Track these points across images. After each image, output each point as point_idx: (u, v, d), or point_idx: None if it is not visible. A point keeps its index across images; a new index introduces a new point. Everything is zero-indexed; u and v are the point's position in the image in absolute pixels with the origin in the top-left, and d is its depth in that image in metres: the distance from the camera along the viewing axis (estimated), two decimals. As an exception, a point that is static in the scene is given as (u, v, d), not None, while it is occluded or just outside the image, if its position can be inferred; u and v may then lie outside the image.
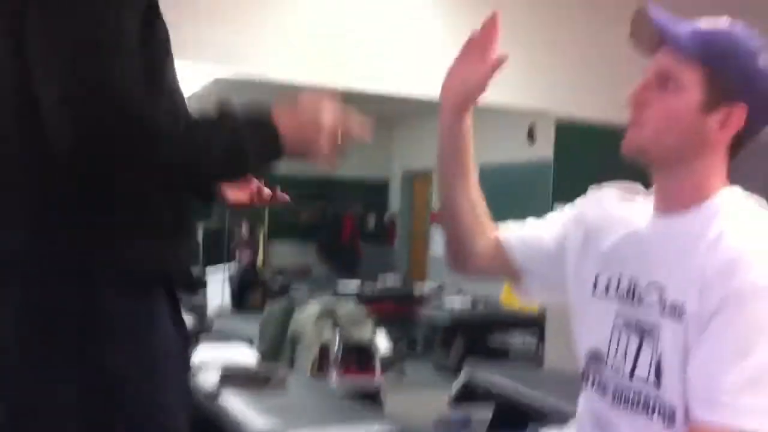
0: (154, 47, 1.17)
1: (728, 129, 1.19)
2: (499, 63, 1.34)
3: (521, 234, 1.45)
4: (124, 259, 1.15)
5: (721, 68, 1.18)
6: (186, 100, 1.27)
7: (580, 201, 1.43)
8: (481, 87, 1.36)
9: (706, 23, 1.22)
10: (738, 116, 1.18)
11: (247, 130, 1.16)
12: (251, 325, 5.28)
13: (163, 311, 1.19)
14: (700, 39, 1.20)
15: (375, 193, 9.95)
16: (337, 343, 4.33)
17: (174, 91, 1.24)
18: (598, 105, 4.76)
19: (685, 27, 1.21)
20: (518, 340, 6.45)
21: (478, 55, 1.36)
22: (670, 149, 1.21)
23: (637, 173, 1.29)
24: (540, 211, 1.54)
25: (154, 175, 1.12)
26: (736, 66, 1.19)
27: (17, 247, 1.13)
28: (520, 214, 1.60)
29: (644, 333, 1.20)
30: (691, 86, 1.19)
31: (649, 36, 1.21)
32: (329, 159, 1.25)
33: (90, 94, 1.04)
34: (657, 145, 1.21)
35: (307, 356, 4.39)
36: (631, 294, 1.24)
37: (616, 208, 1.35)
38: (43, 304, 1.11)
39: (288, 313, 4.91)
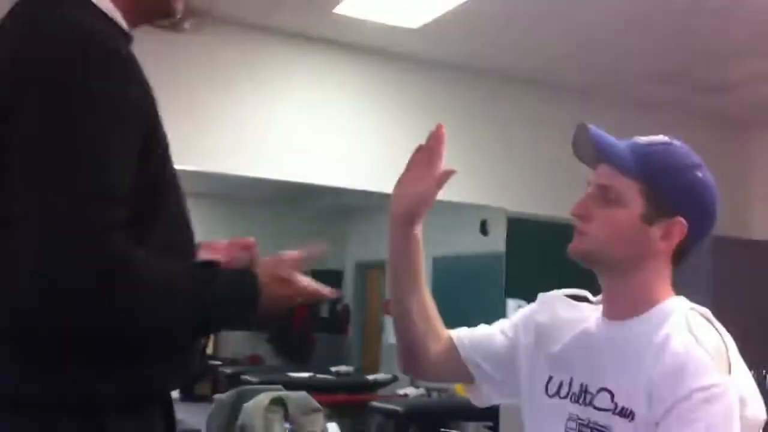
0: (153, 163, 1.16)
1: (670, 240, 1.25)
2: (445, 178, 1.40)
3: (474, 338, 1.47)
4: (124, 386, 1.14)
5: (659, 184, 1.24)
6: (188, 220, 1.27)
7: (529, 306, 1.46)
8: (429, 200, 1.41)
9: (644, 140, 1.28)
10: (679, 228, 1.24)
11: (225, 297, 1.18)
12: (198, 417, 5.14)
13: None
14: (637, 156, 1.25)
15: (328, 283, 9.69)
16: (287, 435, 4.24)
17: (175, 215, 1.24)
18: (549, 202, 4.92)
19: (621, 144, 1.27)
20: (473, 430, 6.37)
21: (426, 167, 1.40)
22: (615, 259, 1.26)
23: (586, 269, 1.34)
24: (492, 301, 1.59)
25: (123, 338, 1.12)
26: (673, 181, 1.24)
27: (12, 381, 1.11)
28: (473, 304, 1.64)
29: None
30: (632, 199, 1.24)
31: (590, 151, 1.27)
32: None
33: (64, 253, 1.02)
34: (602, 254, 1.27)
35: (256, 448, 4.28)
36: (583, 397, 1.27)
37: (565, 313, 1.39)
38: None
39: (237, 404, 4.80)
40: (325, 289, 1.35)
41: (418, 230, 1.43)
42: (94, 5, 1.21)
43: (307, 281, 1.31)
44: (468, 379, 1.48)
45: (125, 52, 1.17)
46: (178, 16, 1.35)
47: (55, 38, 1.11)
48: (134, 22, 1.29)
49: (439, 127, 1.42)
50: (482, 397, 1.48)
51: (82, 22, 1.15)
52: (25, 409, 1.09)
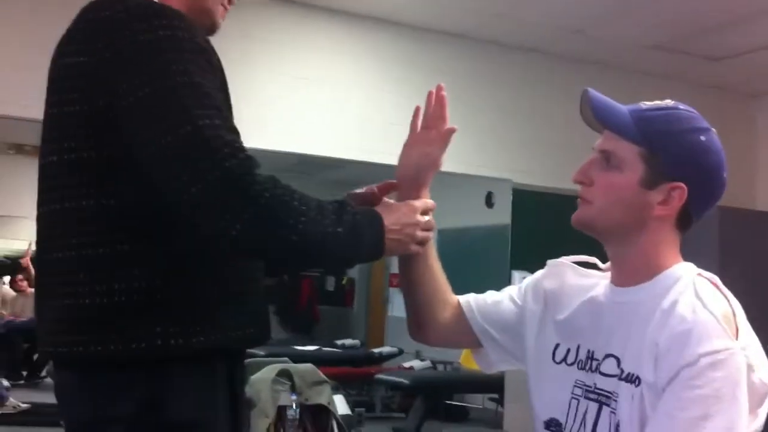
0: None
1: (670, 206, 1.23)
2: (448, 137, 1.38)
3: (482, 304, 1.46)
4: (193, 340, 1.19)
5: (658, 147, 1.22)
6: None
7: (538, 273, 1.45)
8: (436, 162, 1.40)
9: (648, 104, 1.26)
10: (678, 194, 1.22)
11: (364, 223, 1.23)
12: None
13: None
14: (637, 120, 1.24)
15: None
16: (294, 406, 4.28)
17: None
18: (554, 173, 4.91)
19: (622, 109, 1.25)
20: (477, 402, 6.43)
21: (429, 130, 1.39)
22: (615, 224, 1.26)
23: (591, 238, 1.33)
24: (498, 273, 1.59)
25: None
26: (673, 145, 1.23)
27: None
28: (479, 276, 1.64)
29: (602, 400, 1.22)
30: (632, 164, 1.23)
31: (593, 116, 1.26)
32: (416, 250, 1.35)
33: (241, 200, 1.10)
34: (603, 221, 1.26)
35: (263, 420, 4.32)
36: (590, 364, 1.27)
37: (574, 280, 1.38)
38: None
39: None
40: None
41: (426, 195, 1.41)
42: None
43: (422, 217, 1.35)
44: (475, 344, 1.48)
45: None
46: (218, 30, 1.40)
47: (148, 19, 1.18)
48: None
49: (439, 88, 1.41)
50: (489, 362, 1.49)
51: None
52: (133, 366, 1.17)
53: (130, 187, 1.18)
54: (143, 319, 1.17)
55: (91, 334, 1.17)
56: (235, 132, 1.17)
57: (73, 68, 1.22)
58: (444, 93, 1.40)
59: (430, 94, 1.41)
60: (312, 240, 1.14)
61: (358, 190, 1.41)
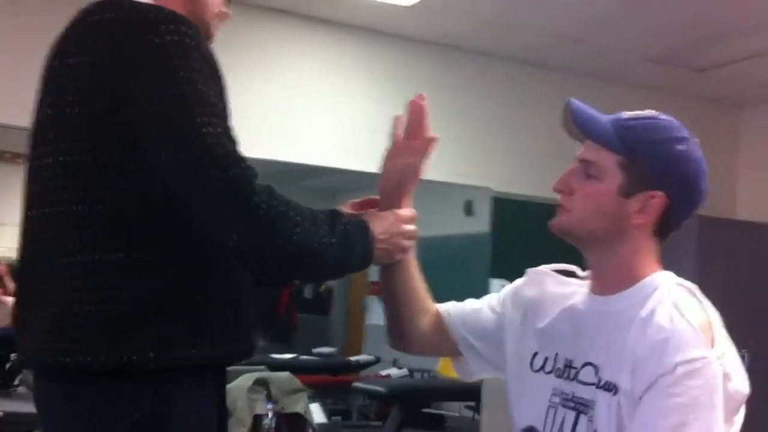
0: None
1: (647, 214, 1.23)
2: (430, 146, 1.38)
3: (461, 312, 1.46)
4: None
5: (637, 156, 1.23)
6: None
7: (518, 281, 1.45)
8: (417, 172, 1.40)
9: (628, 114, 1.27)
10: (656, 203, 1.23)
11: (355, 233, 1.24)
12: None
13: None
14: (617, 129, 1.24)
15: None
16: (270, 415, 4.25)
17: None
18: (534, 181, 4.91)
19: (602, 118, 1.26)
20: (454, 410, 6.43)
21: (410, 140, 1.39)
22: (594, 232, 1.26)
23: (571, 247, 1.33)
24: (477, 282, 1.58)
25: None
26: (651, 154, 1.23)
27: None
28: (458, 284, 1.63)
29: (580, 408, 1.23)
30: (611, 173, 1.23)
31: (574, 125, 1.27)
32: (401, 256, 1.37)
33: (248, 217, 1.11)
34: (581, 229, 1.27)
35: (239, 429, 4.29)
36: (567, 372, 1.27)
37: (553, 288, 1.39)
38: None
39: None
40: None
41: (409, 204, 1.40)
42: None
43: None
44: (455, 353, 1.48)
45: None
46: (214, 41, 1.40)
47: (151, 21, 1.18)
48: None
49: (419, 98, 1.40)
50: (469, 371, 1.49)
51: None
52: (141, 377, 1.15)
53: (128, 193, 1.17)
54: (139, 330, 1.15)
55: (84, 344, 1.15)
56: (236, 141, 1.17)
57: (75, 69, 1.20)
58: (424, 102, 1.39)
59: (410, 103, 1.40)
60: (306, 250, 1.16)
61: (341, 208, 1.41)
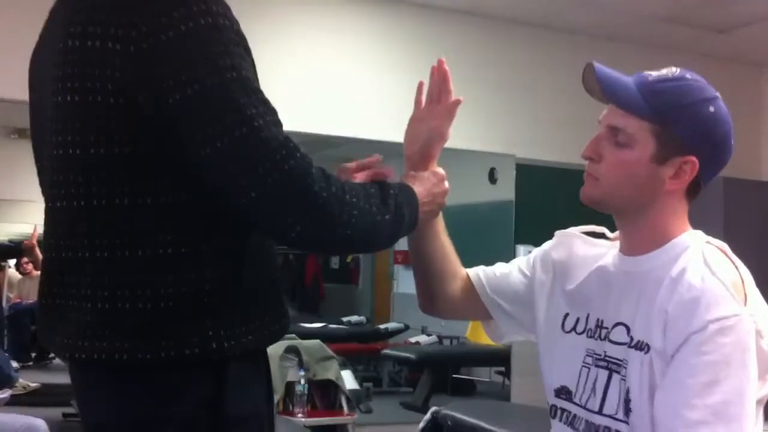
0: None
1: (681, 180, 1.23)
2: (454, 108, 1.39)
3: (491, 275, 1.48)
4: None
5: (670, 123, 1.21)
6: None
7: (547, 243, 1.46)
8: (443, 135, 1.41)
9: (654, 76, 1.25)
10: (690, 167, 1.22)
11: (404, 202, 1.26)
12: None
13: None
14: (646, 94, 1.22)
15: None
16: (302, 382, 4.30)
17: None
18: (558, 147, 4.89)
19: (630, 84, 1.24)
20: (484, 376, 6.46)
21: (434, 104, 1.41)
22: (626, 200, 1.26)
23: (595, 212, 1.33)
24: (502, 249, 1.60)
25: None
26: (684, 120, 1.21)
27: None
28: (483, 252, 1.64)
29: (612, 368, 1.24)
30: (642, 139, 1.22)
31: (599, 89, 1.25)
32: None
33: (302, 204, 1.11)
34: (613, 197, 1.26)
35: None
36: (599, 332, 1.28)
37: (582, 250, 1.39)
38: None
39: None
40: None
41: (434, 168, 1.41)
42: None
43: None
44: (485, 316, 1.50)
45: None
46: None
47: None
48: None
49: (440, 63, 1.41)
50: (499, 334, 1.50)
51: None
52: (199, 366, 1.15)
53: (170, 185, 1.12)
54: (198, 324, 1.14)
55: (138, 341, 1.12)
56: (282, 125, 1.15)
57: (99, 53, 1.11)
58: (446, 67, 1.41)
59: (432, 69, 1.41)
60: (365, 231, 1.18)
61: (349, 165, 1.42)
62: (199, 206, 1.14)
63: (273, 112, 1.14)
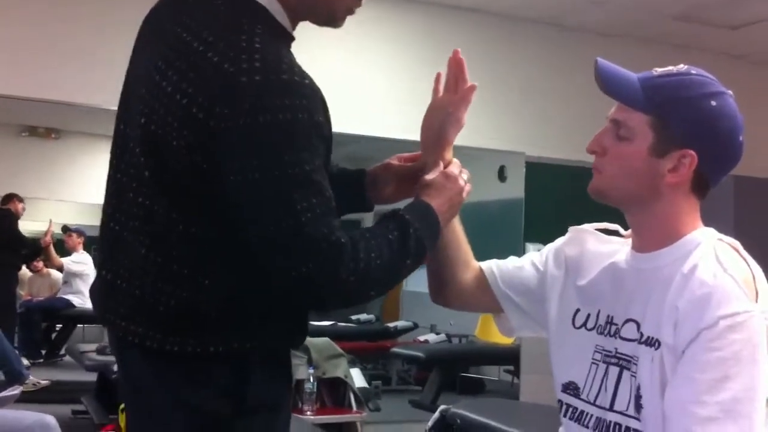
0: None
1: (680, 174, 1.23)
2: (469, 94, 1.40)
3: (503, 269, 1.48)
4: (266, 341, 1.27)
5: (667, 115, 1.22)
6: None
7: (560, 239, 1.47)
8: (459, 120, 1.41)
9: (660, 71, 1.26)
10: (689, 161, 1.22)
11: (425, 234, 1.29)
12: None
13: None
14: (646, 88, 1.23)
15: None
16: (311, 380, 4.31)
17: None
18: (568, 145, 4.88)
19: (631, 78, 1.25)
20: (493, 374, 6.46)
21: (450, 93, 1.42)
22: (627, 193, 1.27)
23: (605, 210, 1.34)
24: (511, 247, 1.60)
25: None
26: (681, 112, 1.22)
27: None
28: (493, 250, 1.64)
29: (623, 364, 1.24)
30: (641, 133, 1.23)
31: (603, 87, 1.26)
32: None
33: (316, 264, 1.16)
34: (614, 189, 1.27)
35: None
36: (609, 329, 1.28)
37: (595, 246, 1.40)
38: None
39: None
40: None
41: (450, 154, 1.43)
42: (266, 10, 1.27)
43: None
44: (495, 309, 1.50)
45: (309, 80, 1.24)
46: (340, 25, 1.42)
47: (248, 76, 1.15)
48: (295, 22, 1.37)
49: (455, 53, 1.43)
50: (510, 327, 1.50)
51: (265, 51, 1.19)
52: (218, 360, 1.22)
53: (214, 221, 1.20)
54: (219, 324, 1.22)
55: (167, 335, 1.22)
56: (334, 212, 1.20)
57: (173, 100, 1.18)
58: (461, 57, 1.42)
59: (449, 59, 1.43)
60: (385, 287, 1.26)
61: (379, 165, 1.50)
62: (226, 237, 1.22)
63: (327, 200, 1.18)
